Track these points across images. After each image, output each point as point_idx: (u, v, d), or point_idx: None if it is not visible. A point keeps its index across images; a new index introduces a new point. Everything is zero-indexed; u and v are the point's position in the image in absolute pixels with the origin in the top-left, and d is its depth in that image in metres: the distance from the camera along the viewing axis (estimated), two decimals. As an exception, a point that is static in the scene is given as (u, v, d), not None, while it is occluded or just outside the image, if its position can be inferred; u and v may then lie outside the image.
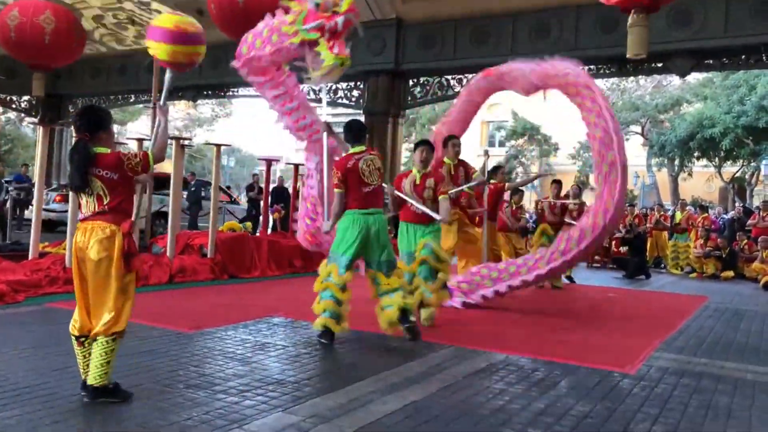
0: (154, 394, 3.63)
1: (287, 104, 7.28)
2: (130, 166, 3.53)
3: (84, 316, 3.54)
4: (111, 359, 3.46)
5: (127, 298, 3.52)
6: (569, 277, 10.66)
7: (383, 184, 5.58)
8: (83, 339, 3.53)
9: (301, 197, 8.13)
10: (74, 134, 3.67)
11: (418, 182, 6.08)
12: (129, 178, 3.60)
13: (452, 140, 7.62)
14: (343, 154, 5.55)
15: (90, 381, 3.43)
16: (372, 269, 5.33)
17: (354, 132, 5.47)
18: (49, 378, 3.80)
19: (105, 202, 3.49)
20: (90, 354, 3.49)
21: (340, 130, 5.86)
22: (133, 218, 3.66)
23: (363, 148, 5.43)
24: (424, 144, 6.26)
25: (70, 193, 7.67)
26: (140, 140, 9.66)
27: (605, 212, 6.81)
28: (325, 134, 6.34)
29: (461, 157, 7.71)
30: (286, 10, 6.03)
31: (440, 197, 5.94)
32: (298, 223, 8.06)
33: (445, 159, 7.60)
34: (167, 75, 4.64)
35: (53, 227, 13.80)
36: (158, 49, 4.99)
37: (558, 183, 10.76)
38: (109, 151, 3.57)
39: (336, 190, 5.31)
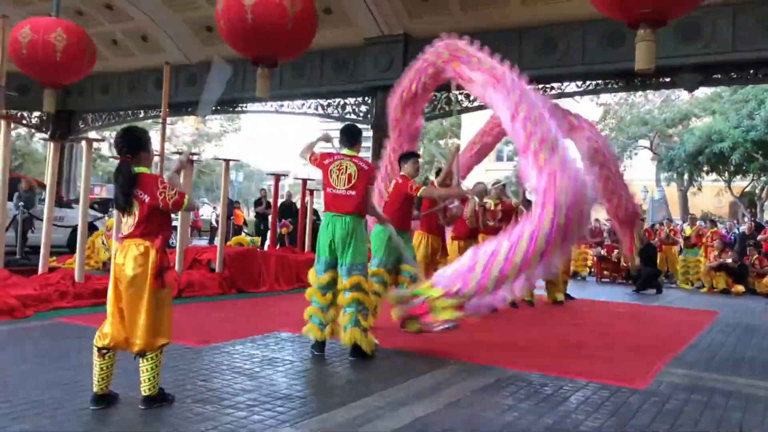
0: (163, 408, 3.62)
1: None
2: (164, 198, 3.62)
3: (116, 331, 3.62)
4: (159, 370, 3.68)
5: (164, 311, 3.68)
6: (567, 294, 10.38)
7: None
8: (105, 351, 3.61)
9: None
10: (118, 156, 3.78)
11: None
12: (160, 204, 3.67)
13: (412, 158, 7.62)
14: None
15: (144, 392, 3.62)
16: (337, 272, 5.30)
17: (347, 136, 5.52)
18: (58, 392, 3.81)
19: (138, 221, 3.65)
20: (108, 367, 3.62)
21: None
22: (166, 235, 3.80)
23: (351, 153, 5.43)
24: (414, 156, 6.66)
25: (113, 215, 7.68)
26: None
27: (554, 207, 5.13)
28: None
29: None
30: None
31: (420, 191, 6.31)
32: None
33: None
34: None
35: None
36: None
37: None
38: (149, 171, 3.74)
39: None
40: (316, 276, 5.33)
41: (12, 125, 7.65)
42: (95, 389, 3.60)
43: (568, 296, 10.30)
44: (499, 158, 40.70)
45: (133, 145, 3.72)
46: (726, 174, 28.12)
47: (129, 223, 3.68)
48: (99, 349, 3.62)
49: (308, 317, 5.35)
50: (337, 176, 5.29)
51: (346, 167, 5.31)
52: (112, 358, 3.65)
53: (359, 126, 6.02)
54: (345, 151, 5.46)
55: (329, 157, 5.42)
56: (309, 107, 17.63)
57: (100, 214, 14.59)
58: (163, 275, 3.64)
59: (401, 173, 6.54)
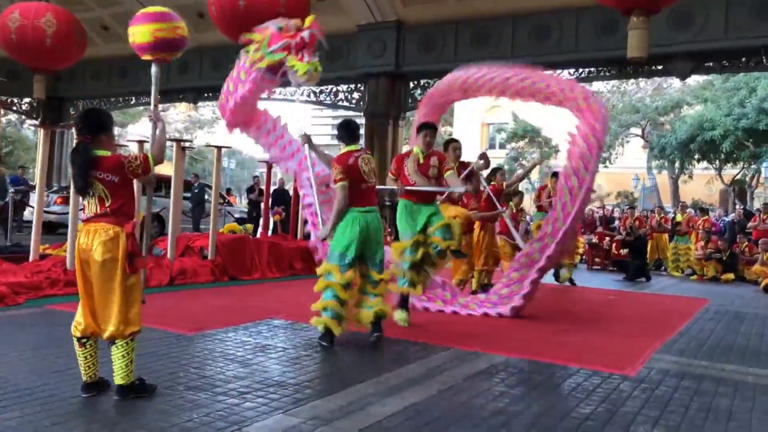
0: (155, 395, 3.63)
1: (272, 134, 7.14)
2: (131, 169, 3.58)
3: (88, 318, 3.56)
4: (132, 358, 3.57)
5: (134, 298, 3.58)
6: (570, 280, 10.68)
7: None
8: (85, 340, 3.57)
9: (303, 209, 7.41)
10: (76, 136, 3.71)
11: (422, 161, 6.04)
12: (129, 181, 3.67)
13: (453, 143, 7.60)
14: (341, 152, 5.50)
15: (117, 381, 3.54)
16: (367, 266, 5.35)
17: (350, 131, 5.51)
18: (50, 380, 3.80)
19: (107, 205, 3.54)
20: (92, 355, 3.59)
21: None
22: (135, 219, 3.72)
23: (358, 147, 5.48)
24: (428, 128, 6.20)
25: (71, 195, 7.67)
26: (141, 142, 9.66)
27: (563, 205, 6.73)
28: (306, 146, 6.03)
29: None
30: (248, 43, 6.02)
31: (447, 173, 6.01)
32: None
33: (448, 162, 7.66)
34: (153, 71, 4.94)
35: (54, 229, 13.82)
36: (138, 34, 5.42)
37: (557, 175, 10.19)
38: (109, 153, 3.61)
39: (340, 183, 5.21)
40: (339, 272, 5.17)
41: (2, 111, 7.59)
42: (84, 377, 3.59)
43: (572, 282, 10.83)
44: (492, 146, 40.69)
45: (93, 125, 3.60)
46: (717, 162, 28.24)
47: (93, 205, 3.56)
48: (78, 339, 3.58)
49: (323, 309, 5.22)
50: (368, 170, 5.35)
51: (369, 160, 5.41)
52: (93, 346, 3.61)
53: (351, 114, 6.02)
54: (350, 146, 5.42)
55: (350, 156, 5.33)
56: (302, 94, 17.54)
57: None
58: (134, 261, 3.54)
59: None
